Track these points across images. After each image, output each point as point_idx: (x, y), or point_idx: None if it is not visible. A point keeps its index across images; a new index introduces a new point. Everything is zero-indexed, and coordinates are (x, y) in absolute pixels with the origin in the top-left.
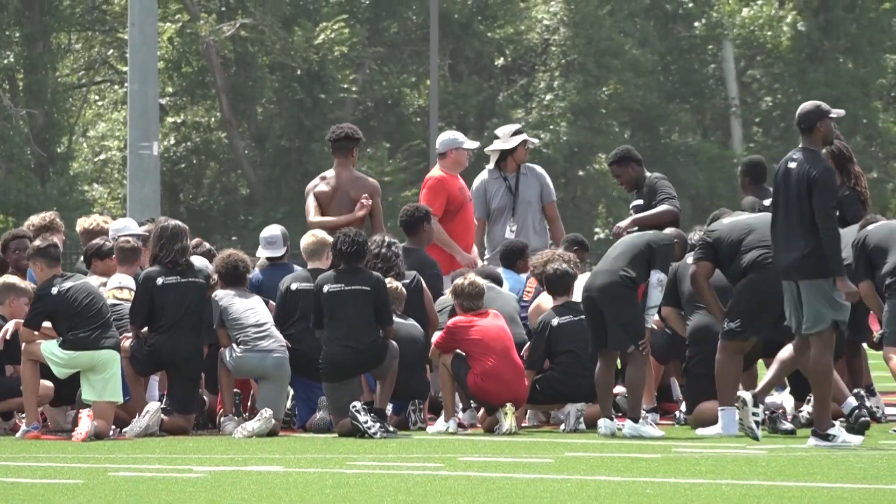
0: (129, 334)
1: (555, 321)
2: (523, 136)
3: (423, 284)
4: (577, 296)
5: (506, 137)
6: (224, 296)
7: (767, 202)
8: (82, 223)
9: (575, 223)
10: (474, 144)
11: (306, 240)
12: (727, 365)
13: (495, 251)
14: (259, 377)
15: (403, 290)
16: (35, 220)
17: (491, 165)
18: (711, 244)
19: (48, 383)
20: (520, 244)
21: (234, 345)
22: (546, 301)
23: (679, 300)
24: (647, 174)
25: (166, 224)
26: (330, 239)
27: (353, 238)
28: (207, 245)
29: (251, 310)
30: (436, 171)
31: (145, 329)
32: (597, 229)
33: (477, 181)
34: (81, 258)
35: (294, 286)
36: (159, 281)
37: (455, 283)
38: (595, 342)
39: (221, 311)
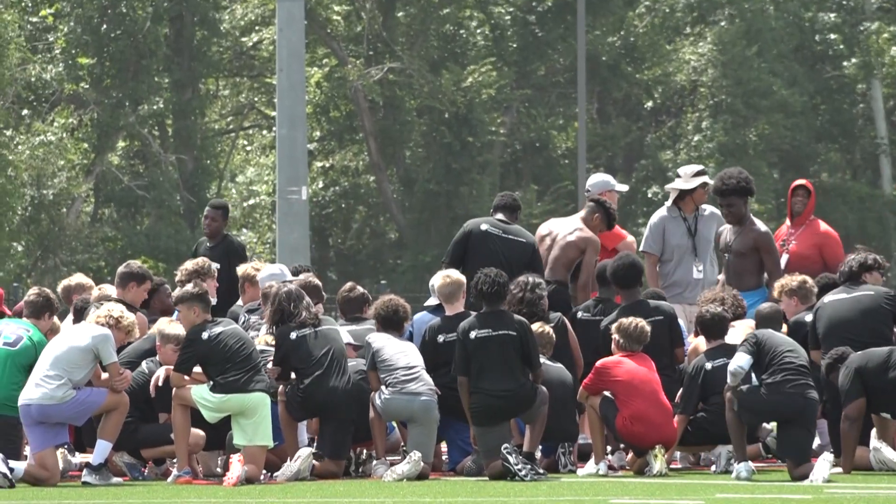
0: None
1: (708, 365)
2: (704, 178)
3: (568, 325)
4: (734, 338)
5: (687, 177)
6: (377, 338)
7: None
8: (238, 270)
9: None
10: (624, 187)
11: (440, 280)
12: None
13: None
14: (407, 420)
15: (552, 333)
16: (189, 265)
17: (669, 203)
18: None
19: (199, 431)
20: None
21: (383, 387)
22: (702, 344)
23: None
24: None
25: (288, 289)
26: (464, 279)
27: (493, 278)
28: (360, 289)
29: (402, 353)
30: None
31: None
32: None
33: (655, 218)
34: (240, 302)
35: (441, 338)
36: (293, 336)
37: (622, 322)
38: None
39: (373, 352)
